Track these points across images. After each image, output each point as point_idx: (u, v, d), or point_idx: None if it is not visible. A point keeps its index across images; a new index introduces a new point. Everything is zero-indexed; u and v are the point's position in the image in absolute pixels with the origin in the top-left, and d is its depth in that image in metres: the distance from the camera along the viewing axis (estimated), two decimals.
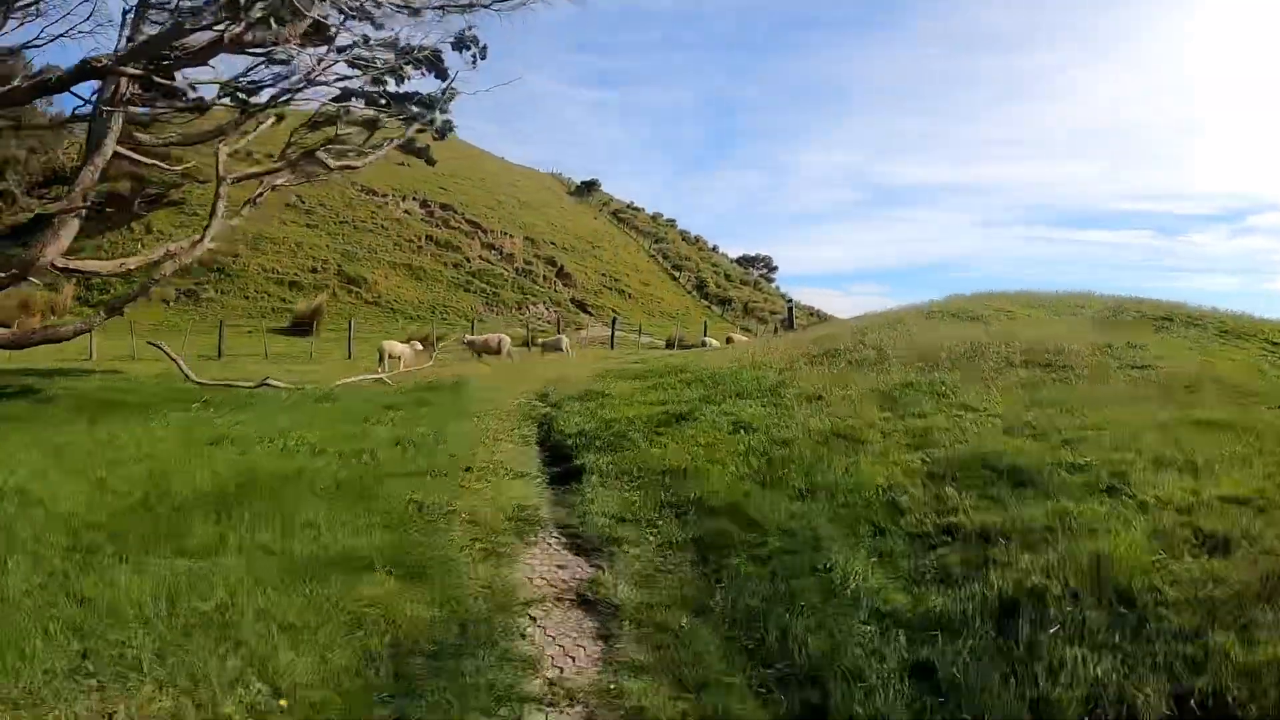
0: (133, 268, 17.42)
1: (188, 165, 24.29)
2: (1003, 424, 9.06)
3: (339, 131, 20.27)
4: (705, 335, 34.33)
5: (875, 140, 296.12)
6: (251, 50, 15.96)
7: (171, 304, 39.29)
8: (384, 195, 52.12)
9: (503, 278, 46.20)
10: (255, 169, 21.33)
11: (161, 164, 23.52)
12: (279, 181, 20.66)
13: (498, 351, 22.98)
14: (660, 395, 12.49)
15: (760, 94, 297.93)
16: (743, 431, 9.84)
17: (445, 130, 20.48)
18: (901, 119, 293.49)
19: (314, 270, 42.07)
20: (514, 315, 42.70)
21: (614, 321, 33.64)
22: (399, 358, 21.04)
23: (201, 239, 17.58)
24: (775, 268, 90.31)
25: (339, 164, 20.23)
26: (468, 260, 46.84)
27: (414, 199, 53.07)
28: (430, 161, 23.80)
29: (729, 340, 32.26)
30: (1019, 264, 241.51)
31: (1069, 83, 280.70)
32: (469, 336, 24.42)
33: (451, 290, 43.21)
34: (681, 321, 51.12)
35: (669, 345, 36.13)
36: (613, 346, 31.47)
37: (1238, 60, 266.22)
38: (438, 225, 50.41)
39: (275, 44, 15.30)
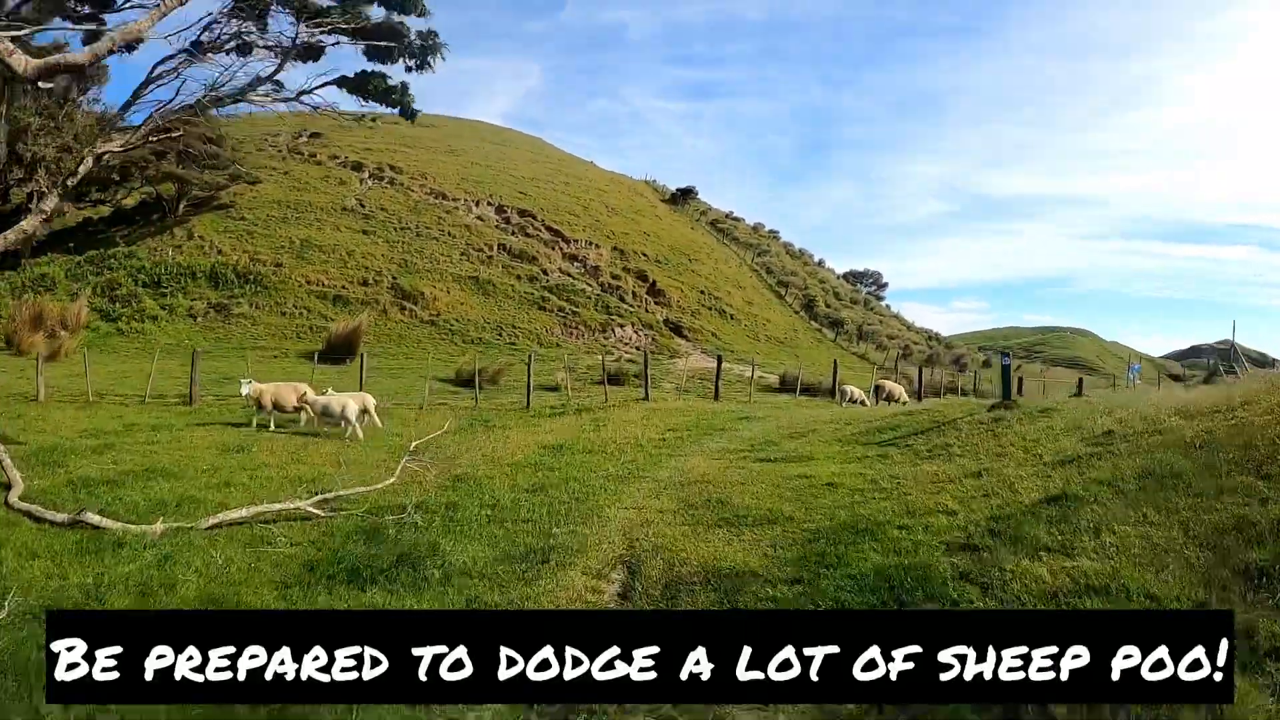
0: None
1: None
2: None
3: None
4: (838, 382, 26.30)
5: (975, 151, 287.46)
6: None
7: (199, 319, 33.47)
8: (455, 199, 46.03)
9: (585, 294, 39.09)
10: None
11: None
12: (109, 148, 13.32)
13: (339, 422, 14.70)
14: None
15: (856, 105, 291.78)
16: None
17: (424, 54, 13.18)
18: (1003, 129, 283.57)
19: (365, 283, 35.79)
20: (596, 339, 35.50)
21: (719, 361, 25.34)
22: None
23: None
24: (885, 284, 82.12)
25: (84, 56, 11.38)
26: (545, 273, 39.90)
27: (488, 203, 46.78)
28: (409, 114, 15.68)
29: (879, 392, 23.99)
30: (1119, 279, 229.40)
31: (1176, 88, 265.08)
32: (250, 386, 15.73)
33: (523, 308, 36.19)
34: (792, 348, 43.48)
35: (783, 386, 28.55)
36: (717, 395, 23.60)
37: None
38: (514, 233, 43.81)
39: None
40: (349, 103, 16.64)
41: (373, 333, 31.32)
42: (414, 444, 12.16)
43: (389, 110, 14.54)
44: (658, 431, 15.39)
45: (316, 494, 9.39)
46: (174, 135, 17.37)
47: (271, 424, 15.37)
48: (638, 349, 35.23)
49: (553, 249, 42.89)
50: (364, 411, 15.15)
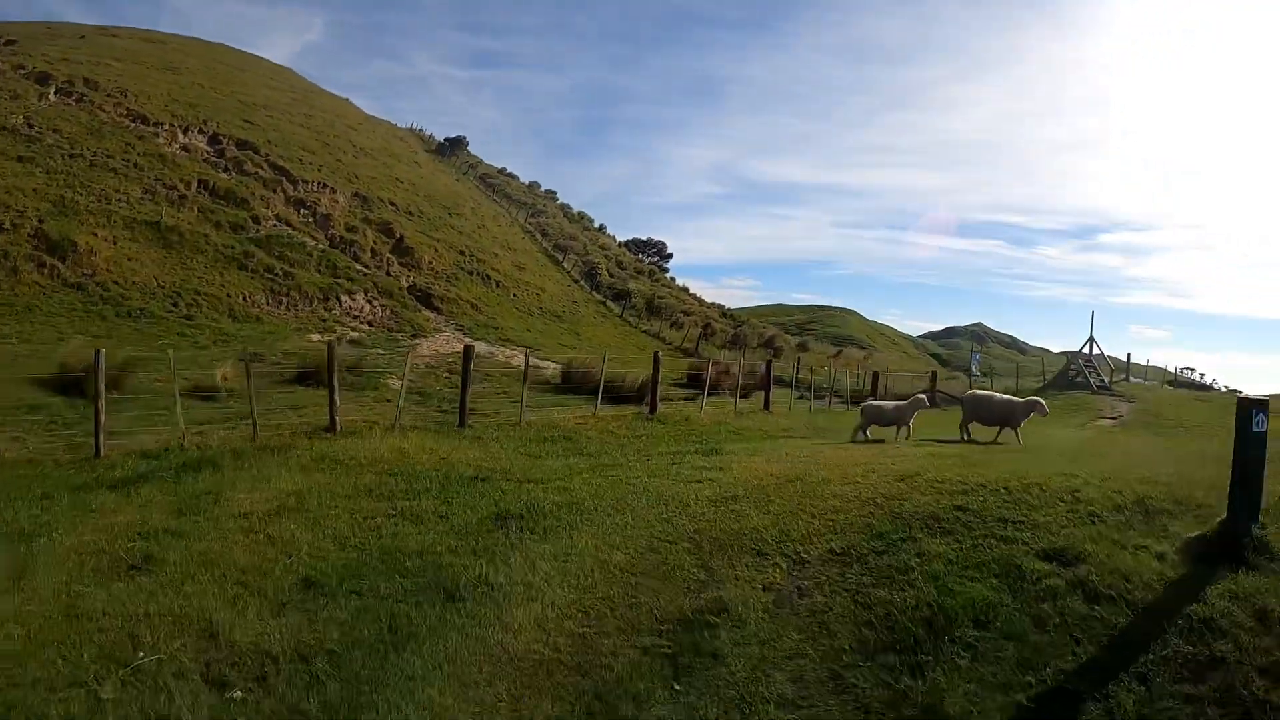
0: None
1: None
2: None
3: None
4: (833, 390, 20.45)
5: (751, 138, 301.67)
6: None
7: None
8: (157, 124, 36.45)
9: (306, 249, 31.12)
10: None
11: None
12: None
13: None
14: None
15: (639, 85, 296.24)
16: None
17: None
18: (779, 120, 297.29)
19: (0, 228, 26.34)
20: (314, 311, 27.85)
21: (467, 355, 16.63)
22: None
23: None
24: (669, 255, 77.76)
25: None
26: (256, 221, 31.52)
27: (200, 131, 37.59)
28: None
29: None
30: (881, 264, 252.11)
31: (947, 97, 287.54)
32: None
33: (216, 267, 27.70)
34: (572, 324, 37.64)
35: (568, 382, 22.44)
36: (463, 420, 15.39)
37: (1105, 89, 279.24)
38: (226, 169, 35.09)
39: None
40: None
41: None
42: None
43: None
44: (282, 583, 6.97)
45: None
46: None
47: None
48: (371, 325, 28.08)
49: (273, 191, 34.56)
50: None
